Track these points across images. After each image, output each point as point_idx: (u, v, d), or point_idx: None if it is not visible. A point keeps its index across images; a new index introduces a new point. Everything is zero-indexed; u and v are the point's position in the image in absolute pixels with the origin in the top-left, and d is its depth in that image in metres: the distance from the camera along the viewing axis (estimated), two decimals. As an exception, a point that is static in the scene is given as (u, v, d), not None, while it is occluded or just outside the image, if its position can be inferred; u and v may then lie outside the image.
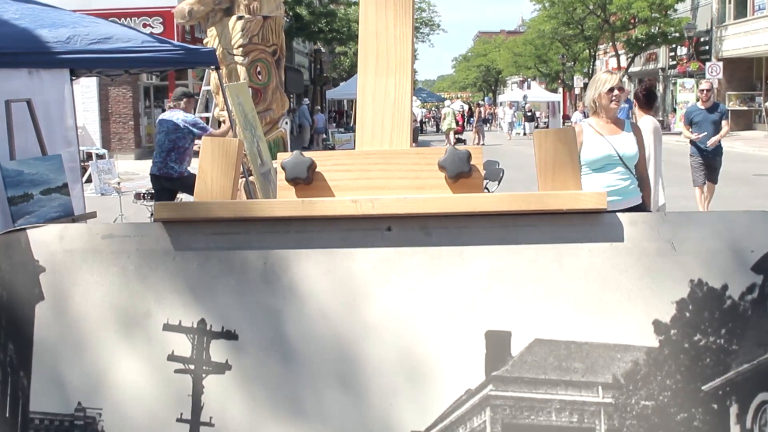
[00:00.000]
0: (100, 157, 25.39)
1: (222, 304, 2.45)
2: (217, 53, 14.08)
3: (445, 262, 2.40)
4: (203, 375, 2.43)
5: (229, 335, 2.44)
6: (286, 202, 2.45)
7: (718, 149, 14.79)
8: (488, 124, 67.69)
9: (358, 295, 2.41)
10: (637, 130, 7.16)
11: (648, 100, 10.83)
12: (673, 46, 56.64)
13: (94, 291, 2.50)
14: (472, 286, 2.38)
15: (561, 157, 2.47)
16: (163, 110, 15.65)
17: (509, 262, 2.38)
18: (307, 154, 2.58)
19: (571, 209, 2.37)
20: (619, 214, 2.40)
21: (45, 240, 2.54)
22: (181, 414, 2.46)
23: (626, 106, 23.81)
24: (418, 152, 2.61)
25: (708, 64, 45.35)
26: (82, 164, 15.61)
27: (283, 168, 2.56)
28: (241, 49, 15.49)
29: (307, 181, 2.55)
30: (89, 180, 17.32)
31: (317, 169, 2.60)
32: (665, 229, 2.36)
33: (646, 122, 10.21)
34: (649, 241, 2.35)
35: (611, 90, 6.92)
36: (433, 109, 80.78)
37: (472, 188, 2.52)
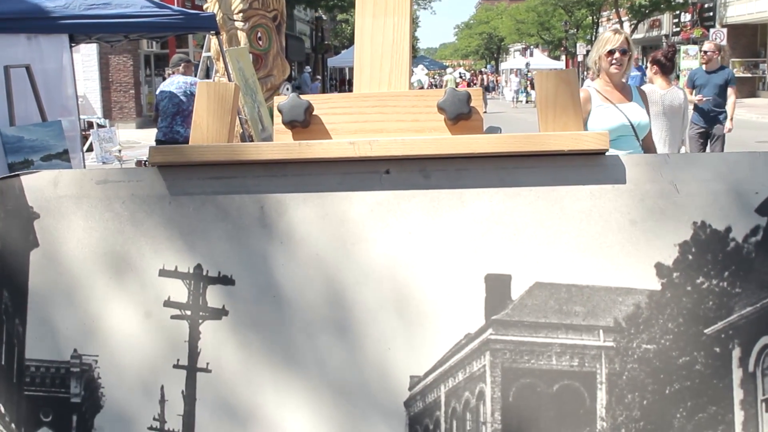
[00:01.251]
0: (101, 125, 25.29)
1: (218, 250, 2.42)
2: (217, 18, 14.01)
3: (445, 205, 2.36)
4: (200, 321, 2.40)
5: (225, 280, 2.41)
6: (282, 144, 2.41)
7: (716, 118, 13.34)
8: (491, 92, 67.51)
9: (355, 239, 2.37)
10: (644, 97, 6.47)
11: (672, 66, 9.84)
12: (677, 12, 56.38)
13: (88, 237, 2.46)
14: (472, 229, 2.34)
15: (562, 98, 2.43)
16: (164, 79, 15.57)
17: (509, 204, 2.34)
18: (305, 97, 2.53)
19: (572, 150, 2.33)
20: (621, 156, 2.36)
21: (39, 186, 2.50)
22: (178, 360, 2.43)
23: (638, 74, 22.97)
24: (416, 94, 2.57)
25: (712, 30, 45.12)
26: (83, 133, 15.56)
27: (279, 111, 2.52)
28: (241, 14, 15.41)
29: (304, 124, 2.51)
30: (90, 149, 17.27)
31: (314, 113, 2.56)
32: (668, 170, 2.32)
33: (675, 95, 9.29)
34: (651, 183, 2.32)
35: (611, 52, 6.30)
36: (435, 76, 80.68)
37: (472, 130, 2.48)
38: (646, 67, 10.15)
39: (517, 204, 2.34)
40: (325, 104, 2.58)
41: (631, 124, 6.28)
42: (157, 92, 12.99)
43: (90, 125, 24.71)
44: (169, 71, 13.53)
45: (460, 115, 2.45)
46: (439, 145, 2.36)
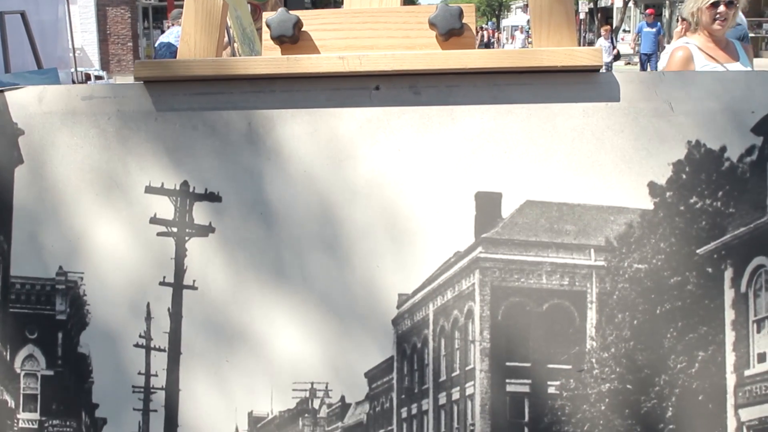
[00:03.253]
0: (98, 78, 25.18)
1: (205, 166, 2.38)
2: (215, -33, 13.85)
3: (435, 121, 2.32)
4: (186, 238, 2.37)
5: (212, 197, 2.38)
6: (269, 58, 2.37)
7: None
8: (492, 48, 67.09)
9: (344, 156, 2.34)
10: (749, 54, 5.73)
11: None
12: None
13: (74, 154, 2.43)
14: (462, 146, 2.31)
15: (557, 14, 2.39)
16: (162, 32, 15.49)
17: (500, 121, 2.31)
18: (294, 12, 2.49)
19: (565, 66, 2.29)
20: (614, 73, 2.32)
21: (23, 102, 2.46)
22: (164, 277, 2.40)
23: (652, 30, 22.17)
24: (408, 10, 2.52)
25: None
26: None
27: (268, 25, 2.48)
28: (239, -37, 15.25)
29: (292, 39, 2.47)
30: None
31: (304, 29, 2.52)
32: (663, 88, 2.28)
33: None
34: (646, 101, 2.28)
35: (715, 4, 5.43)
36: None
37: (464, 47, 2.44)
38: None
39: (508, 121, 2.30)
40: (314, 20, 2.53)
41: None
42: (156, 44, 12.90)
43: (87, 77, 24.61)
44: (168, 24, 13.44)
45: (451, 30, 2.41)
46: (430, 60, 2.32)
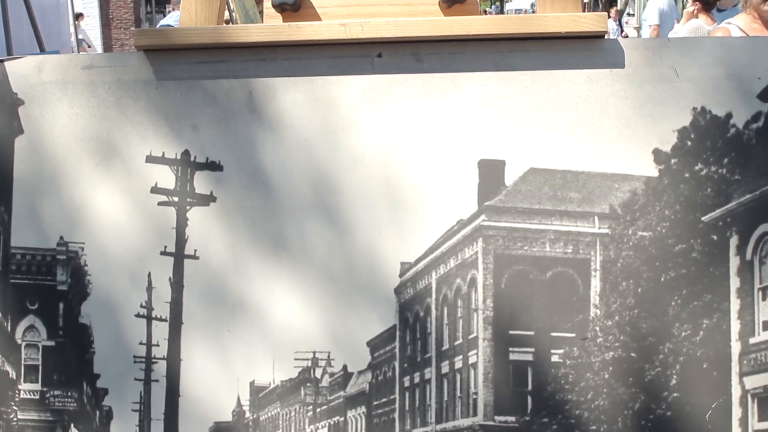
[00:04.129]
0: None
1: (206, 135, 2.37)
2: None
3: (438, 89, 2.30)
4: (187, 207, 2.36)
5: (213, 166, 2.36)
6: (270, 26, 2.35)
7: None
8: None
9: (346, 124, 2.32)
10: None
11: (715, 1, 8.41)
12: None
13: (74, 123, 2.41)
14: (465, 114, 2.28)
15: (560, -20, 2.36)
16: (164, 16, 15.42)
17: (504, 89, 2.28)
18: (295, -20, 2.46)
19: (569, 32, 2.26)
20: (618, 39, 2.29)
21: (23, 72, 2.44)
22: (165, 247, 2.39)
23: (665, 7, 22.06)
24: (410, -24, 2.49)
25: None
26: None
27: (269, -7, 2.45)
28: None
29: (294, 7, 2.45)
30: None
31: (305, -4, 2.49)
32: (668, 55, 2.26)
33: None
34: (651, 67, 2.25)
35: None
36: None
37: (467, 14, 2.42)
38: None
39: (511, 88, 2.28)
40: (316, -13, 2.50)
41: None
42: (157, 27, 12.87)
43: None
44: (170, 9, 13.40)
45: (454, -4, 2.39)
46: (433, 27, 2.30)
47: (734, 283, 2.19)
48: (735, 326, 2.20)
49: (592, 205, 2.22)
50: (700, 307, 2.20)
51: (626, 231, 2.21)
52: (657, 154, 2.22)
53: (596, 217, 2.21)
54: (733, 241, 2.20)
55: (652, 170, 2.21)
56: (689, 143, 2.22)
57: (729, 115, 2.21)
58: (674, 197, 2.20)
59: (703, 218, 2.20)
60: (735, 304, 2.20)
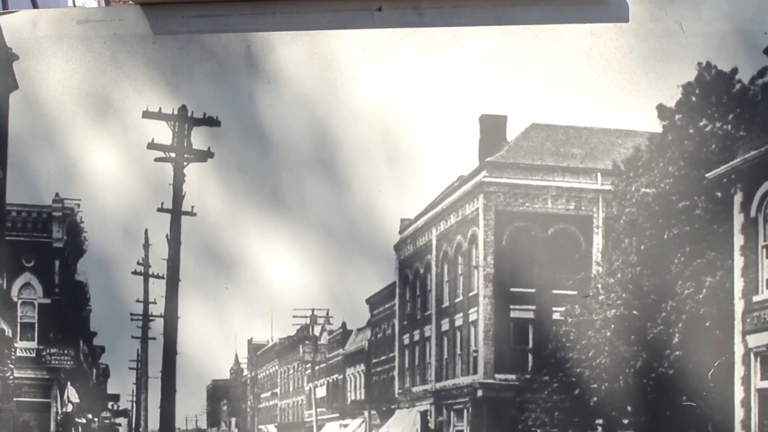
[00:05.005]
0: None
1: (203, 90, 2.33)
2: None
3: (439, 43, 2.27)
4: (184, 163, 2.33)
5: (210, 122, 2.33)
6: (268, -22, 2.30)
7: None
8: None
9: (345, 79, 2.29)
10: None
11: None
12: None
13: (69, 79, 2.38)
14: (467, 68, 2.25)
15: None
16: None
17: (506, 43, 2.25)
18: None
19: (572, -15, 2.22)
20: (623, -8, 2.25)
21: (17, 26, 2.40)
22: (162, 203, 2.37)
23: None
24: (410, -72, 2.44)
25: None
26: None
27: (266, -56, 2.40)
28: None
29: (292, -41, 2.39)
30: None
31: (303, -53, 2.44)
32: (673, 9, 2.22)
33: None
34: (655, 22, 2.21)
35: None
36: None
37: (468, -34, 2.36)
38: None
39: (514, 43, 2.25)
40: (314, -62, 2.45)
41: None
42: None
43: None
44: None
45: (455, -52, 2.34)
46: (433, -21, 2.26)
47: (738, 240, 2.17)
48: (738, 284, 2.18)
49: (594, 161, 2.19)
50: (703, 265, 2.18)
51: (629, 187, 2.19)
52: (661, 109, 2.19)
53: (599, 174, 2.19)
54: (738, 198, 2.18)
55: (656, 126, 2.19)
56: (694, 99, 2.19)
57: (734, 71, 2.18)
58: (678, 153, 2.18)
59: (707, 175, 2.17)
60: (739, 261, 2.18)
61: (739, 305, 2.28)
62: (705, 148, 2.24)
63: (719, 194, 2.25)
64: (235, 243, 2.31)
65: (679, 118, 2.24)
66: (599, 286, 2.29)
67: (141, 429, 2.32)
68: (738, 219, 2.26)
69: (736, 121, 2.24)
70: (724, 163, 2.24)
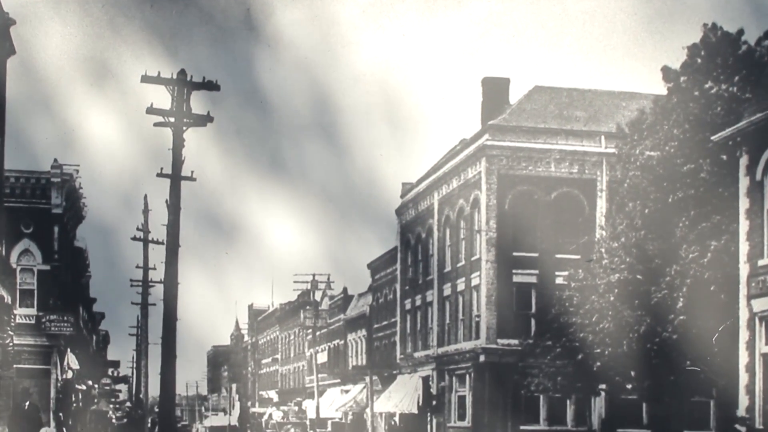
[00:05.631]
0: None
1: (202, 54, 2.29)
2: None
3: (441, 5, 2.23)
4: (184, 128, 2.29)
5: (210, 86, 2.29)
6: (267, -61, 2.25)
7: None
8: None
9: (346, 42, 2.24)
10: None
11: None
12: None
13: (66, 44, 2.35)
14: (469, 30, 2.21)
15: None
16: None
17: (508, 5, 2.21)
18: None
19: (576, -55, 2.16)
20: (628, -49, 2.20)
21: (12, -12, 2.35)
22: (161, 169, 2.34)
23: None
24: None
25: None
26: None
27: None
28: None
29: None
30: None
31: None
32: (678, -32, 2.16)
33: None
34: (659, -19, 2.16)
35: None
36: None
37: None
38: None
39: (516, 4, 2.21)
40: None
41: None
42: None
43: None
44: None
45: None
46: (435, -61, 2.20)
47: (743, 204, 2.14)
48: (744, 248, 2.15)
49: (598, 123, 2.16)
50: (708, 229, 2.14)
51: (633, 150, 2.16)
52: (666, 71, 2.16)
53: (603, 136, 2.16)
54: (743, 161, 2.14)
55: (661, 88, 2.16)
56: (699, 60, 2.15)
57: (741, 32, 2.15)
58: (683, 116, 2.14)
59: (712, 137, 2.14)
60: (744, 225, 2.15)
61: (744, 269, 2.24)
62: (710, 110, 2.20)
63: (724, 157, 2.21)
64: (235, 208, 2.27)
65: (684, 80, 2.20)
66: (603, 250, 2.26)
67: (141, 395, 2.31)
68: (743, 182, 2.22)
69: (741, 83, 2.20)
70: (730, 126, 2.20)
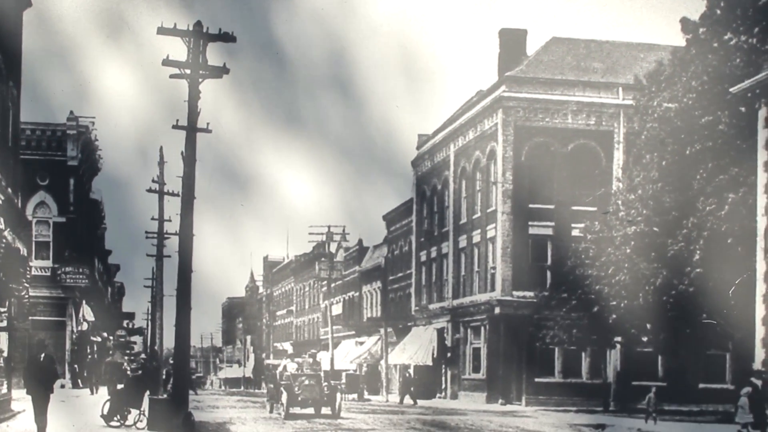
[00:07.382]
0: None
1: (218, 5, 2.28)
2: None
3: (456, -46, 2.19)
4: (199, 80, 2.28)
5: (226, 37, 2.28)
6: None
7: None
8: None
9: (361, -8, 2.21)
10: None
11: None
12: None
13: (80, -8, 2.31)
14: (485, -20, 2.18)
15: None
16: None
17: (526, -46, 2.17)
18: None
19: None
20: None
21: (26, -61, 2.34)
22: (177, 120, 2.33)
23: None
24: None
25: None
26: None
27: None
28: None
29: None
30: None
31: None
32: None
33: None
34: (679, -70, 2.14)
35: None
36: None
37: None
38: None
39: None
40: None
41: None
42: None
43: None
44: None
45: None
46: None
47: (762, 156, 2.12)
48: (762, 201, 2.13)
49: (616, 75, 2.14)
50: (725, 182, 2.13)
51: (651, 102, 2.14)
52: (685, 22, 2.13)
53: (620, 88, 2.14)
54: (762, 113, 2.13)
55: (679, 39, 2.14)
56: (718, 11, 2.13)
57: (761, -19, 2.10)
58: (702, 68, 2.12)
59: (731, 89, 2.12)
60: (762, 177, 2.13)
61: (762, 222, 2.23)
62: (729, 62, 2.18)
63: (743, 109, 2.20)
64: (251, 160, 2.27)
65: (703, 32, 2.18)
66: (619, 202, 2.25)
67: (156, 347, 2.32)
68: (762, 134, 2.20)
69: (761, 35, 2.17)
70: (749, 78, 2.18)
